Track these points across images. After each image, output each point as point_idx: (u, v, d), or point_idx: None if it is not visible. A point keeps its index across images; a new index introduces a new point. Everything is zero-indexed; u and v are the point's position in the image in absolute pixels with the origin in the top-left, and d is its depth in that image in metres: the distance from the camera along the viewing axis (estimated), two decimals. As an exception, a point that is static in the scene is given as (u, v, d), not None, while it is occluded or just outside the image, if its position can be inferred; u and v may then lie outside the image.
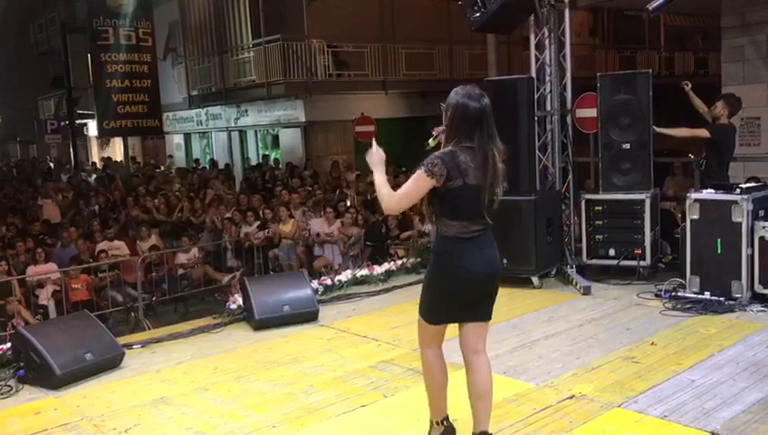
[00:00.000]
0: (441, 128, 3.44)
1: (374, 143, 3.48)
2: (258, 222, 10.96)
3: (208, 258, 10.66)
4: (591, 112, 7.52)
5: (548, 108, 7.50)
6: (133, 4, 18.55)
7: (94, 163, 23.93)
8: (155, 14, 19.61)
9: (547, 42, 7.44)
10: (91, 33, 18.63)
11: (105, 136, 22.62)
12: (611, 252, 7.09)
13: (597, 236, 7.18)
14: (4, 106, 32.72)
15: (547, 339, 5.41)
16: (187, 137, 23.09)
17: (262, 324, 6.03)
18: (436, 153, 3.27)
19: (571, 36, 7.57)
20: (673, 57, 22.23)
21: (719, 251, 6.00)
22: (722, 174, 6.80)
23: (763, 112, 9.37)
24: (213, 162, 19.40)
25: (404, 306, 6.39)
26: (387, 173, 3.53)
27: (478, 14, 7.08)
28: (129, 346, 5.70)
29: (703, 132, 6.80)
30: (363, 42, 16.79)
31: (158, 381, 5.00)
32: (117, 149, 24.08)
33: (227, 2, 18.40)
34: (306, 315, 6.20)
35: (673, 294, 6.21)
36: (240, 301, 6.46)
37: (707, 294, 6.02)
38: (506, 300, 6.54)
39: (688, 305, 5.94)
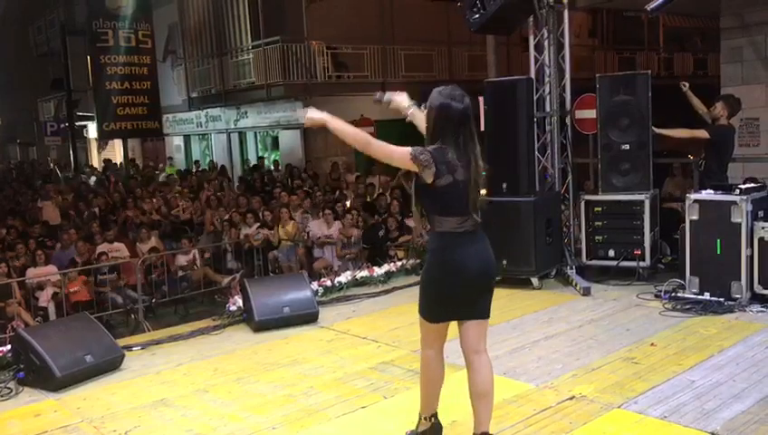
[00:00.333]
0: (384, 94, 3.67)
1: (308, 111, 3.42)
2: (258, 224, 10.96)
3: (208, 260, 10.66)
4: (591, 113, 7.52)
5: (547, 109, 7.51)
6: (133, 7, 18.58)
7: (92, 166, 23.93)
8: (154, 16, 19.63)
9: (546, 43, 7.45)
10: (90, 35, 18.65)
11: (105, 138, 22.63)
12: (611, 253, 7.10)
13: (596, 237, 7.18)
14: (4, 108, 32.70)
15: (547, 340, 5.41)
16: (187, 139, 23.09)
17: (262, 326, 6.03)
18: (427, 147, 3.31)
19: (570, 37, 7.58)
20: (672, 58, 22.24)
21: (719, 252, 6.00)
22: (721, 175, 6.80)
23: (762, 113, 9.37)
24: (213, 165, 19.39)
25: (404, 308, 6.39)
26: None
27: (477, 16, 7.09)
28: (129, 348, 5.70)
29: (702, 133, 6.81)
30: (362, 43, 16.80)
31: (158, 382, 5.00)
32: (117, 151, 24.07)
33: (226, 4, 18.41)
34: (306, 317, 6.20)
35: (673, 294, 6.21)
36: (240, 302, 6.46)
37: (707, 295, 6.02)
38: (506, 301, 6.54)
39: (688, 306, 5.95)
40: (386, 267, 7.74)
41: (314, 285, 6.95)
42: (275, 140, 19.27)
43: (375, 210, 11.28)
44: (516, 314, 6.15)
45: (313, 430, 4.08)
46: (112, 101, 18.64)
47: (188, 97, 20.42)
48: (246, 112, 18.81)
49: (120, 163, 21.95)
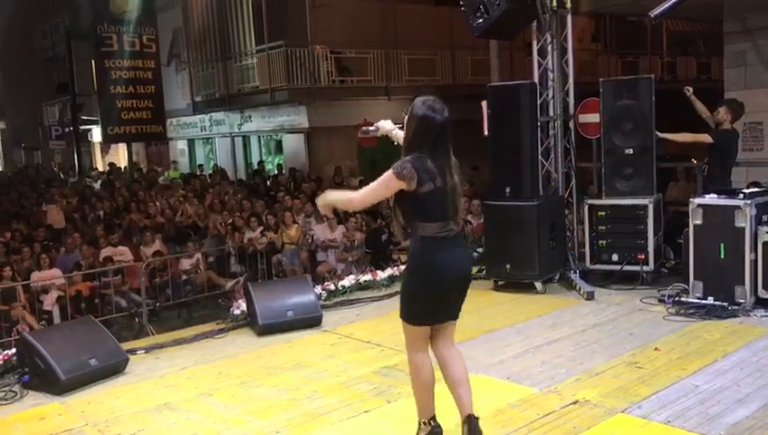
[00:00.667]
0: (372, 127, 3.97)
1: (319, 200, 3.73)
2: (261, 227, 10.99)
3: (211, 263, 10.68)
4: (594, 118, 7.51)
5: (550, 113, 7.52)
6: (137, 11, 18.64)
7: (96, 169, 23.98)
8: (159, 20, 19.70)
9: (549, 47, 7.46)
10: (95, 39, 18.71)
11: (109, 142, 22.69)
12: (614, 257, 7.08)
13: (600, 242, 7.17)
14: (9, 112, 32.78)
15: (550, 344, 5.40)
16: (191, 143, 23.16)
17: (265, 330, 6.04)
18: (405, 158, 3.43)
19: (573, 42, 7.58)
20: (675, 62, 22.24)
21: (722, 256, 5.99)
22: (724, 179, 6.80)
23: (766, 117, 9.37)
24: (216, 168, 19.43)
25: (407, 312, 6.37)
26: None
27: (481, 20, 7.10)
28: (133, 352, 5.71)
29: (705, 137, 6.81)
30: (366, 48, 16.84)
31: (162, 386, 5.01)
32: (121, 155, 24.14)
33: (231, 8, 18.48)
34: (310, 321, 6.20)
35: (676, 299, 6.19)
36: (244, 306, 6.47)
37: (711, 300, 6.00)
38: (510, 305, 6.55)
39: (692, 310, 5.93)
40: (389, 271, 7.74)
41: (318, 289, 6.95)
42: (279, 144, 19.32)
43: (378, 214, 11.30)
44: (520, 318, 6.14)
45: (317, 433, 4.09)
46: (117, 105, 18.70)
47: (192, 101, 20.49)
48: (250, 116, 18.87)
49: (124, 167, 22.01)
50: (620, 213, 7.07)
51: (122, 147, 23.17)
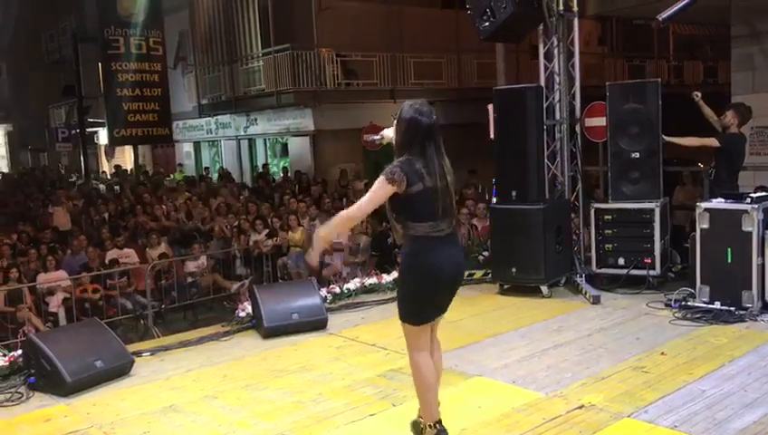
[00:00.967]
0: (378, 137, 4.03)
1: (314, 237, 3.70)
2: (267, 230, 10.99)
3: (217, 266, 10.69)
4: (600, 121, 7.51)
5: (557, 117, 7.51)
6: (144, 14, 18.70)
7: (104, 172, 24.05)
8: (165, 23, 19.75)
9: (556, 51, 7.46)
10: (102, 42, 18.78)
11: (116, 144, 22.73)
12: (621, 261, 7.07)
13: (606, 246, 7.15)
14: (16, 115, 32.99)
15: (556, 348, 5.39)
16: (197, 145, 23.20)
17: (271, 332, 6.04)
18: (394, 162, 3.50)
19: (579, 45, 7.59)
20: (682, 66, 22.18)
21: (729, 260, 5.97)
22: (731, 183, 6.78)
23: (773, 121, 9.32)
24: (222, 171, 19.46)
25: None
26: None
27: (487, 24, 7.11)
28: (138, 354, 5.72)
29: (712, 141, 6.79)
30: (372, 51, 16.85)
31: (168, 388, 5.02)
32: (127, 158, 24.21)
33: (237, 11, 18.52)
34: (315, 323, 6.21)
35: (683, 303, 6.18)
36: (249, 309, 6.48)
37: (717, 304, 5.99)
38: (515, 309, 6.54)
39: (698, 315, 5.91)
40: (394, 274, 7.73)
41: (323, 292, 6.96)
42: (285, 147, 19.33)
43: (383, 217, 11.28)
44: (525, 322, 6.13)
45: (322, 437, 4.09)
46: (123, 108, 18.75)
47: (199, 104, 20.52)
48: (256, 119, 18.89)
49: (131, 170, 22.08)
50: (627, 217, 7.05)
51: (128, 149, 23.24)
